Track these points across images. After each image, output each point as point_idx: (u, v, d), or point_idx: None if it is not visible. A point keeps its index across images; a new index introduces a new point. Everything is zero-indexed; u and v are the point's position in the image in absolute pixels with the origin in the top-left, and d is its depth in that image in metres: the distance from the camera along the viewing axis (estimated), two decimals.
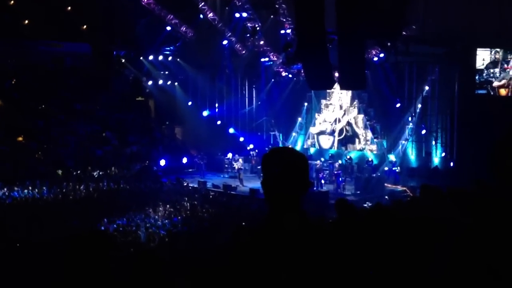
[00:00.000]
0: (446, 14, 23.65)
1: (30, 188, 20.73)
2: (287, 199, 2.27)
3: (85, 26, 29.69)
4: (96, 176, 23.91)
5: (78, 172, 23.85)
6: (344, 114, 26.88)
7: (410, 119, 24.80)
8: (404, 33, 21.76)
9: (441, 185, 9.49)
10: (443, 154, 24.56)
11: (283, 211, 2.27)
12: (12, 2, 28.03)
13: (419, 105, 24.73)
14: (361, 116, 26.39)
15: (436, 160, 24.74)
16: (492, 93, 23.14)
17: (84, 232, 2.63)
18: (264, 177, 2.33)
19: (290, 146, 26.90)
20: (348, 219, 6.93)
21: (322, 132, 27.82)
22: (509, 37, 22.27)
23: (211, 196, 21.46)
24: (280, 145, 27.15)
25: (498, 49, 22.93)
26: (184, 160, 27.90)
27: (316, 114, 27.96)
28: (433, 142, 24.80)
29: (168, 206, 19.02)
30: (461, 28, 22.93)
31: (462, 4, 23.25)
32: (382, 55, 23.48)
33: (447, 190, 7.99)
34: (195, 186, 23.30)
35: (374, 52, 23.74)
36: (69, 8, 30.28)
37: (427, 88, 24.53)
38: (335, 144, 27.23)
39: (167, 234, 15.59)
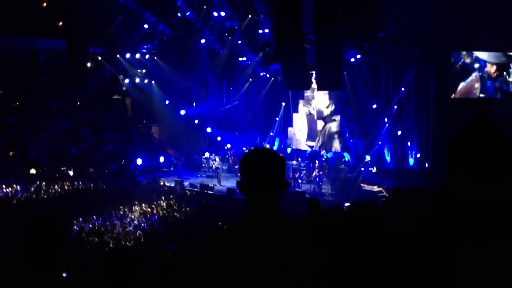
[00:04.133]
0: (422, 16, 23.99)
1: (3, 186, 20.35)
2: (265, 198, 2.28)
3: (61, 23, 29.25)
4: (71, 174, 23.59)
5: (52, 170, 23.49)
6: (322, 114, 27.01)
7: (386, 119, 25.08)
8: (380, 34, 22.03)
9: (415, 185, 9.64)
10: (418, 155, 24.89)
11: (260, 210, 2.28)
12: None
13: (395, 106, 25.03)
14: (338, 117, 26.56)
15: (411, 160, 25.06)
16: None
17: (39, 223, 2.67)
18: (242, 177, 2.34)
19: (267, 146, 26.97)
20: (317, 216, 7.05)
21: (300, 132, 27.92)
22: (483, 39, 22.70)
23: (188, 196, 21.37)
24: (258, 144, 27.22)
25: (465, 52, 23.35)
26: (161, 159, 27.73)
27: (294, 114, 28.05)
28: (409, 143, 25.12)
29: (144, 205, 18.88)
30: (436, 30, 23.29)
31: (437, 6, 23.61)
32: (358, 56, 23.68)
33: (419, 190, 8.15)
34: (172, 185, 23.17)
35: (351, 53, 23.93)
36: (45, 4, 29.82)
37: (402, 89, 24.83)
38: (313, 144, 27.36)
39: (143, 233, 15.47)
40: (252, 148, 2.47)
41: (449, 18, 23.13)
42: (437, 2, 23.65)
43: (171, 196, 20.88)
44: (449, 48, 23.28)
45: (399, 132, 25.00)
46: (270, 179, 2.28)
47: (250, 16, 26.21)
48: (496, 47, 23.02)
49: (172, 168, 27.31)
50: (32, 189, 20.66)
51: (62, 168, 24.09)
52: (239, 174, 2.38)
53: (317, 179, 23.15)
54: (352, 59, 24.08)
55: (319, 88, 24.23)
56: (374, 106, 25.13)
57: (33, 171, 23.13)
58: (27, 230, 2.60)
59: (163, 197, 20.28)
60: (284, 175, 2.37)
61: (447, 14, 23.29)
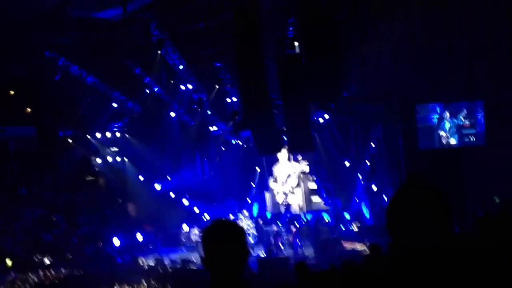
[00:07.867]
0: (383, 73, 24.76)
1: None
2: (228, 270, 2.36)
3: (29, 109, 29.25)
4: (48, 262, 22.89)
5: (28, 259, 22.77)
6: (298, 176, 27.09)
7: (360, 177, 25.31)
8: (345, 94, 22.62)
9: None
10: None
11: (226, 283, 2.34)
12: None
13: (368, 163, 25.36)
14: (312, 178, 26.68)
15: None
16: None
17: None
18: (205, 251, 2.40)
19: (246, 214, 26.72)
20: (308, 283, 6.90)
21: (277, 197, 27.86)
22: (444, 91, 23.47)
23: (169, 273, 20.81)
24: (236, 212, 27.01)
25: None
26: (139, 237, 27.15)
27: (270, 179, 28.08)
28: (385, 198, 25.24)
29: (125, 287, 18.29)
30: (398, 86, 24.03)
31: (397, 63, 24.46)
32: (327, 116, 24.17)
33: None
34: (151, 264, 22.59)
35: (319, 114, 24.40)
36: (12, 92, 29.89)
37: (373, 145, 25.26)
38: (292, 207, 27.24)
39: None
40: (211, 222, 2.60)
41: (409, 73, 23.92)
42: (396, 59, 24.51)
43: (152, 276, 20.30)
44: (413, 102, 23.93)
45: (375, 188, 25.19)
46: (230, 251, 2.36)
47: (217, 86, 26.70)
48: (458, 97, 23.77)
49: (151, 246, 26.74)
50: (8, 281, 19.90)
51: (38, 257, 23.38)
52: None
53: (300, 243, 22.90)
54: (321, 120, 24.54)
55: (291, 151, 24.46)
56: (347, 164, 25.41)
57: (9, 262, 22.41)
58: None
59: (143, 279, 19.71)
60: (245, 244, 2.45)
61: (407, 69, 24.09)
